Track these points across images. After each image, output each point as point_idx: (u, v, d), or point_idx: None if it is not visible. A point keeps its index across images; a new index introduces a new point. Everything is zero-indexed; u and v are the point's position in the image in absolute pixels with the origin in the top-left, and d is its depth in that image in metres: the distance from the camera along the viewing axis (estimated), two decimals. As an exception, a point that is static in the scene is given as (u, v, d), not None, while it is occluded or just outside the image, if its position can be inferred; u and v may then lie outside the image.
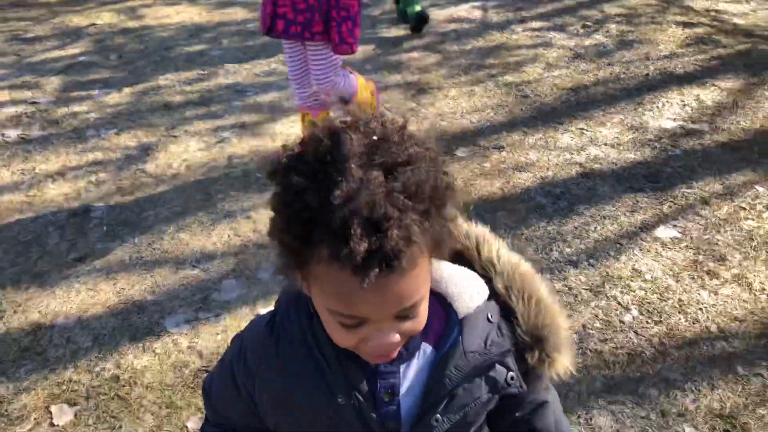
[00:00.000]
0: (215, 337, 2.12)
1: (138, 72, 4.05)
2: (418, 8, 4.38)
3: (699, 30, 4.45)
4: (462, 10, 4.87)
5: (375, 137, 0.69)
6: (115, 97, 3.73)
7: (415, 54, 4.17)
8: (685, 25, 4.54)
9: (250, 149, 3.16)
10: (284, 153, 0.72)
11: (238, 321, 2.17)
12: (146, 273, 2.40)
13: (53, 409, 1.89)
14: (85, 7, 5.22)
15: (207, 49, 4.39)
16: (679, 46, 4.17)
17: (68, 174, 3.02)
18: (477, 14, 4.81)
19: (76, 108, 3.61)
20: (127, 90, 3.82)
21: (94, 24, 4.81)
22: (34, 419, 1.87)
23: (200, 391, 1.88)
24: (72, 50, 4.39)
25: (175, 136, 3.29)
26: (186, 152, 3.15)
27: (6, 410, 1.90)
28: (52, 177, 3.00)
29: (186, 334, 2.13)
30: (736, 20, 4.78)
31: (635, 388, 1.90)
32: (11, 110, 3.61)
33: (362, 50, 4.22)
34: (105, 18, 4.94)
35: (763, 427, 1.78)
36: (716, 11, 4.97)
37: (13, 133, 3.37)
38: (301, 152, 0.71)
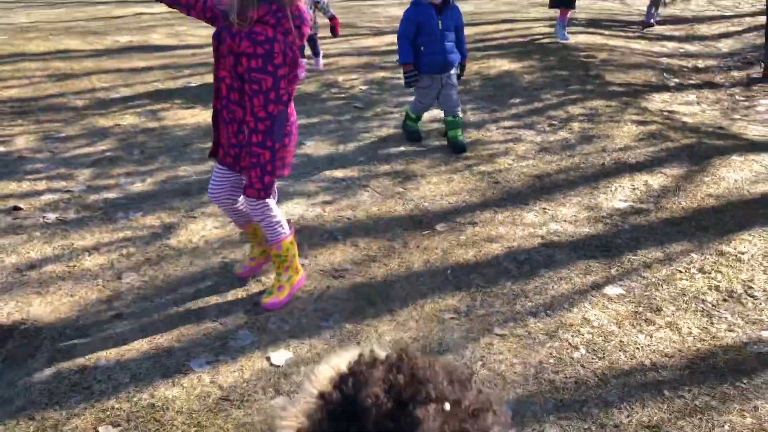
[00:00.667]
0: (233, 374, 2.54)
1: (159, 164, 4.61)
2: (459, 137, 4.67)
3: (652, 127, 5.09)
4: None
5: (447, 405, 0.59)
6: (139, 186, 4.26)
7: (402, 148, 4.77)
8: (640, 123, 5.18)
9: (260, 227, 3.66)
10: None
11: (252, 362, 2.59)
12: (173, 326, 2.83)
13: (100, 428, 2.29)
14: (109, 110, 5.87)
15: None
16: (633, 141, 4.79)
17: (102, 248, 3.49)
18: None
19: (105, 194, 4.14)
20: (149, 180, 4.36)
21: (118, 125, 5.43)
22: (85, 437, 2.26)
23: (222, 414, 2.30)
24: (100, 147, 4.97)
25: (194, 217, 3.80)
26: (204, 230, 3.65)
27: (61, 430, 2.29)
28: (88, 251, 3.47)
29: (208, 372, 2.55)
30: (685, 119, 5.45)
31: (580, 408, 2.32)
32: (49, 197, 4.12)
33: (356, 145, 4.83)
34: (128, 119, 5.56)
35: (682, 434, 2.19)
36: (669, 111, 5.66)
37: (52, 216, 3.87)
38: None
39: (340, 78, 6.69)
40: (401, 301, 2.95)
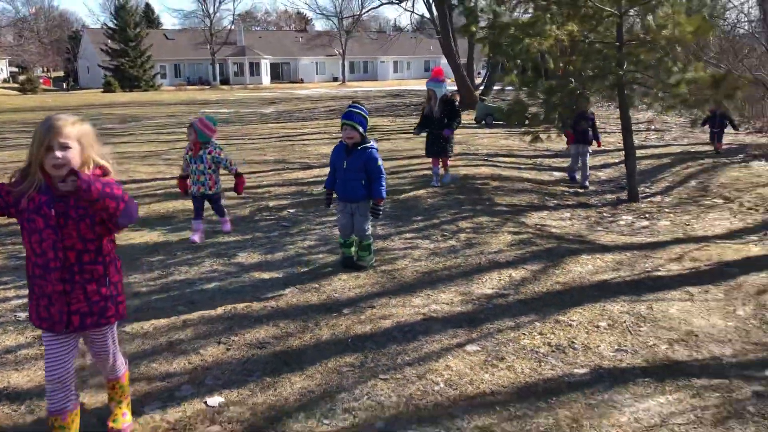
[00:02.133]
0: (177, 414, 3.31)
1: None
2: (362, 261, 5.35)
3: (524, 236, 6.28)
4: (357, 228, 6.60)
5: None
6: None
7: (320, 255, 5.75)
8: (515, 233, 6.37)
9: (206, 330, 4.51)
10: None
11: (192, 405, 3.38)
12: (129, 385, 3.60)
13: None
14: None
15: (164, 258, 5.87)
16: (506, 246, 5.94)
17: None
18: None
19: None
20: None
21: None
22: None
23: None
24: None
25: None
26: (148, 324, 4.46)
27: (44, 453, 3.00)
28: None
29: (159, 413, 3.32)
30: (554, 230, 6.68)
31: (434, 420, 3.19)
32: (18, 301, 4.87)
33: (282, 254, 5.79)
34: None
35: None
36: (542, 225, 6.90)
37: (22, 315, 4.61)
38: None
39: (271, 203, 7.77)
40: (310, 362, 3.82)
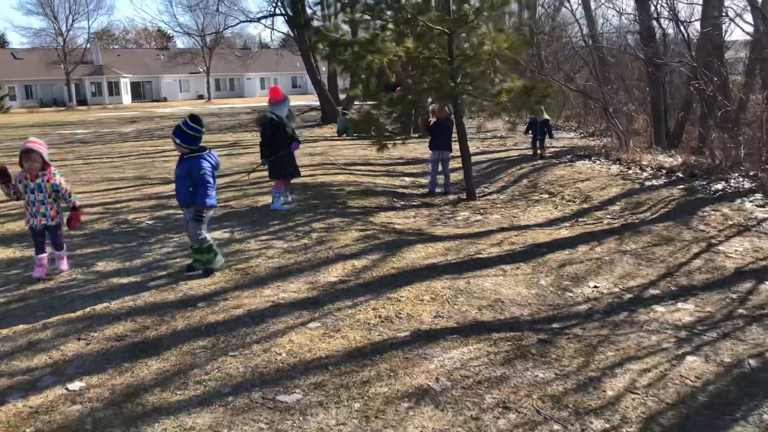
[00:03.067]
0: (40, 400, 3.62)
1: None
2: (195, 263, 5.63)
3: (369, 232, 6.96)
4: (217, 233, 7.01)
5: None
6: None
7: (177, 259, 6.12)
8: (362, 230, 7.04)
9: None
10: None
11: (54, 391, 3.69)
12: (-10, 381, 3.84)
13: (-61, 437, 3.26)
14: None
15: (21, 272, 5.98)
16: (352, 241, 6.58)
17: None
18: (226, 235, 6.98)
19: None
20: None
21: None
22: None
23: (32, 420, 3.38)
24: None
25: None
26: (7, 329, 4.67)
27: None
28: None
29: (21, 401, 3.60)
30: (397, 226, 7.41)
31: (276, 381, 3.72)
32: None
33: (141, 261, 6.09)
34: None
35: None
36: (388, 222, 7.62)
37: None
38: None
39: (130, 216, 7.99)
40: (166, 347, 4.22)
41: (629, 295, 5.12)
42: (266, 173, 8.40)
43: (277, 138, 8.03)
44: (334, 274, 5.61)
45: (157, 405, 3.47)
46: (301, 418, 3.30)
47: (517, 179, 11.09)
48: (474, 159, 13.21)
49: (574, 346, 4.12)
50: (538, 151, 12.92)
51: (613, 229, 7.16)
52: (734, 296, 5.02)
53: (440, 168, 10.13)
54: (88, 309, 4.91)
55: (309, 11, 19.98)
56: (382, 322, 4.56)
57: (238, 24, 51.15)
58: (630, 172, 10.53)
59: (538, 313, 4.77)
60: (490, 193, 10.15)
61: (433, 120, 9.53)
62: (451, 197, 9.80)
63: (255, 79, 75.04)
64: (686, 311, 4.74)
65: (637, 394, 3.49)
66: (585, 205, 8.77)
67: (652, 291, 5.20)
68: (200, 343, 4.26)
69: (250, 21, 33.68)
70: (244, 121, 28.72)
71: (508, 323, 4.55)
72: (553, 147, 13.91)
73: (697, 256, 6.04)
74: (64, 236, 5.97)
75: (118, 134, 23.46)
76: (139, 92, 69.23)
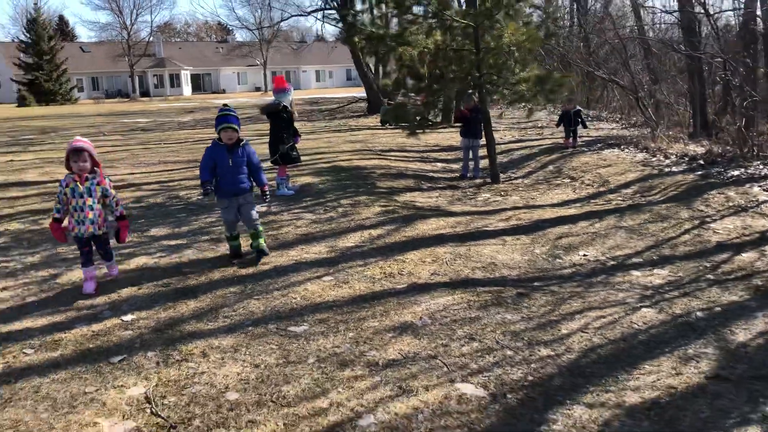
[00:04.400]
0: (104, 328, 4.50)
1: (42, 248, 6.50)
2: (261, 246, 5.85)
3: (390, 208, 7.70)
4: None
5: None
6: (29, 259, 6.13)
7: (222, 227, 6.99)
8: (384, 206, 7.78)
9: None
10: None
11: (112, 322, 4.57)
12: (68, 319, 4.75)
13: (24, 349, 4.17)
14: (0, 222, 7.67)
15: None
16: (373, 215, 7.34)
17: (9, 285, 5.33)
18: (263, 209, 7.84)
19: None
20: (35, 257, 6.23)
21: (7, 229, 7.25)
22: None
23: (98, 343, 4.27)
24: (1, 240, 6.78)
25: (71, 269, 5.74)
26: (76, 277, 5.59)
27: (1, 351, 4.15)
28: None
29: (87, 327, 4.49)
30: (417, 204, 8.13)
31: (290, 317, 4.51)
32: (-38, 269, 5.89)
33: (187, 228, 6.98)
34: (14, 225, 7.40)
35: (335, 320, 4.43)
36: (410, 201, 8.34)
37: (-32, 277, 5.65)
38: None
39: (182, 193, 8.94)
40: (203, 292, 5.05)
41: (612, 262, 5.71)
42: (315, 160, 9.17)
43: (283, 125, 8.48)
44: (351, 240, 6.38)
45: (191, 331, 4.31)
46: (304, 342, 4.08)
47: (543, 165, 11.63)
48: (509, 147, 13.82)
49: (546, 299, 4.78)
50: (570, 141, 12.85)
51: (618, 209, 7.70)
52: (708, 265, 5.57)
53: (471, 155, 10.76)
54: (141, 263, 5.82)
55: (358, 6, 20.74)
56: (386, 277, 5.30)
57: (290, 17, 52.45)
58: (654, 159, 10.95)
59: (526, 274, 5.43)
60: (515, 178, 10.74)
61: (464, 110, 10.20)
62: (478, 181, 10.43)
63: (310, 72, 76.54)
64: (659, 275, 5.32)
65: (587, 333, 4.14)
66: (601, 189, 9.28)
67: (635, 259, 5.79)
68: (231, 290, 5.09)
69: (300, 15, 34.74)
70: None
71: (495, 280, 5.23)
72: (587, 136, 14.31)
73: (687, 232, 6.57)
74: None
75: (176, 123, 24.81)
76: (198, 84, 71.58)
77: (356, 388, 3.47)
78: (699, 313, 4.46)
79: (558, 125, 13.49)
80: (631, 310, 4.54)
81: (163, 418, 3.24)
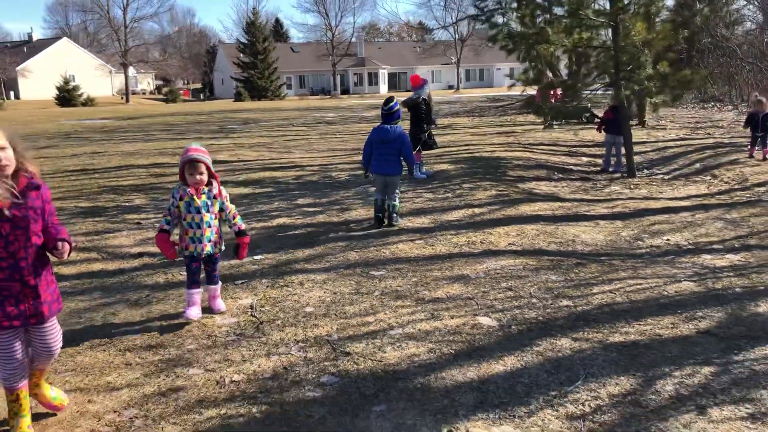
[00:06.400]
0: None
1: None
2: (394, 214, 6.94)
3: (506, 193, 8.47)
4: (388, 187, 9.02)
5: None
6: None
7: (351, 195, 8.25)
8: (501, 191, 8.57)
9: (262, 226, 7.15)
10: None
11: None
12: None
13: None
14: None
15: (249, 202, 8.57)
16: (486, 198, 8.18)
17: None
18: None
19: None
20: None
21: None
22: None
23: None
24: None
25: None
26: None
27: (165, 271, 5.70)
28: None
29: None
30: (536, 191, 8.78)
31: (344, 266, 5.59)
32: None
33: (327, 199, 8.34)
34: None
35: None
36: (532, 189, 9.00)
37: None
38: None
39: (334, 173, 10.39)
40: (318, 244, 6.29)
41: (690, 247, 6.07)
42: (454, 150, 10.19)
43: (423, 115, 9.70)
44: (454, 216, 7.30)
45: (299, 269, 5.56)
46: (377, 282, 5.14)
47: (691, 162, 11.54)
48: (667, 144, 13.71)
49: (599, 268, 5.38)
50: (756, 150, 11.23)
51: (731, 203, 7.80)
52: (786, 255, 5.73)
53: (614, 150, 11.06)
54: (281, 222, 7.23)
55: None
56: (468, 244, 6.18)
57: (465, 18, 53.07)
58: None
59: (599, 251, 6.00)
60: (654, 174, 10.86)
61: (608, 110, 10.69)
62: (616, 175, 10.72)
63: (504, 69, 76.80)
64: (728, 260, 5.63)
65: (614, 294, 4.74)
66: (735, 186, 9.23)
67: (715, 246, 6.08)
68: (339, 244, 6.28)
69: (470, 17, 35.34)
70: (472, 107, 30.73)
71: (564, 253, 5.88)
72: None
73: (789, 226, 6.62)
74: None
75: (359, 118, 26.95)
76: (395, 82, 75.01)
77: (399, 313, 4.47)
78: (738, 289, 4.82)
79: (746, 127, 11.80)
80: (673, 282, 5.01)
81: (256, 317, 4.48)
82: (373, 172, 6.90)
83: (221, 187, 4.40)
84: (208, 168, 4.28)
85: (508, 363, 3.68)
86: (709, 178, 10.15)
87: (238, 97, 57.25)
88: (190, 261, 4.42)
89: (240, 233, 4.50)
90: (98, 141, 17.82)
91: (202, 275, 4.54)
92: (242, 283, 5.23)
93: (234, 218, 4.47)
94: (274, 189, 9.37)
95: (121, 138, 18.75)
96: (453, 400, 3.29)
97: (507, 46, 10.50)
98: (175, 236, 4.43)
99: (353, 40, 74.34)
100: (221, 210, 4.42)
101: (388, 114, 6.93)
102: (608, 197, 8.53)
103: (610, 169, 10.95)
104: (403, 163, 6.95)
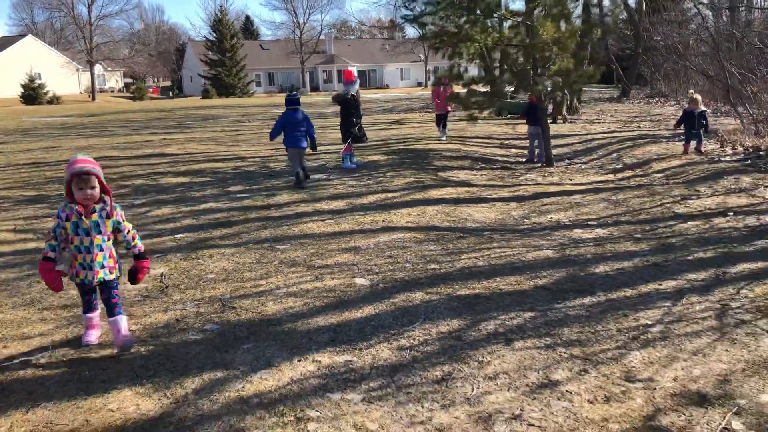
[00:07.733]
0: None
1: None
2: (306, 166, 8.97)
3: (422, 180, 9.20)
4: (316, 175, 9.71)
5: None
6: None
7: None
8: (419, 178, 9.30)
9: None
10: None
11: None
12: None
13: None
14: (153, 178, 10.21)
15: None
16: (402, 184, 8.91)
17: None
18: (323, 176, 9.64)
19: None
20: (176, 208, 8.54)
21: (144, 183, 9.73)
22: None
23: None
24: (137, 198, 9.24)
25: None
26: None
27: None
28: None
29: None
30: (452, 179, 9.52)
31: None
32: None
33: (257, 186, 9.00)
34: (138, 181, 9.87)
35: (310, 244, 6.13)
36: (449, 177, 9.75)
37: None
38: None
39: (272, 164, 11.04)
40: (236, 224, 6.96)
41: (569, 223, 6.85)
42: (399, 144, 10.88)
43: (352, 110, 10.63)
44: (368, 200, 8.01)
45: (212, 244, 6.22)
46: (279, 253, 5.82)
47: (609, 153, 12.39)
48: (595, 137, 14.57)
49: (476, 240, 6.13)
50: (688, 145, 11.26)
51: (623, 187, 8.62)
52: (647, 228, 6.53)
53: (537, 142, 11.87)
54: (208, 206, 7.88)
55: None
56: (371, 223, 6.89)
57: (404, 21, 53.92)
58: (718, 150, 11.36)
59: (485, 227, 6.75)
60: (574, 163, 11.68)
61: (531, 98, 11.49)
62: (537, 165, 11.53)
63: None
64: (595, 233, 6.41)
65: (478, 260, 5.48)
66: (638, 171, 10.07)
67: (591, 222, 6.86)
68: (255, 224, 6.96)
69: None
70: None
71: (453, 229, 6.62)
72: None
73: (661, 205, 7.45)
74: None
75: (317, 113, 27.58)
76: (364, 80, 75.63)
77: (289, 277, 5.16)
78: (588, 256, 5.59)
79: (677, 126, 11.90)
80: (535, 250, 5.77)
81: (164, 283, 5.14)
82: (289, 146, 9.00)
83: (114, 204, 3.83)
84: (100, 181, 3.73)
85: (365, 312, 4.39)
86: (619, 166, 10.98)
87: (205, 95, 57.44)
88: (80, 289, 3.95)
89: (139, 256, 3.96)
90: (55, 137, 18.24)
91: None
92: (158, 256, 5.88)
93: (133, 239, 3.94)
94: (212, 178, 10.01)
95: (78, 134, 19.20)
96: (310, 339, 3.98)
97: (435, 44, 11.22)
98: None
99: (322, 37, 74.81)
100: (117, 231, 3.86)
101: (291, 100, 9.10)
102: (518, 183, 9.31)
103: (534, 160, 11.73)
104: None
